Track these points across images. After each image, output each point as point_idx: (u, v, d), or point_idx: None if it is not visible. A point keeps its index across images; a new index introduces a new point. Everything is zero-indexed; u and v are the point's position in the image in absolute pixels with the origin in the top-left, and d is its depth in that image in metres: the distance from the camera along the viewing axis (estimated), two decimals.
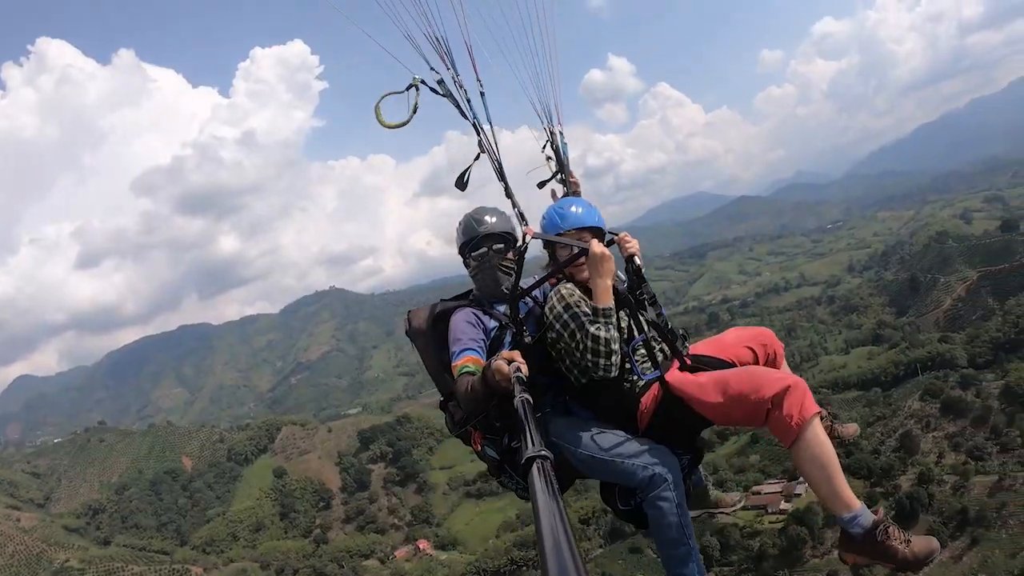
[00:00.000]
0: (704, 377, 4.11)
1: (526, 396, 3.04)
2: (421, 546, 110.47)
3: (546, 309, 4.36)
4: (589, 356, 4.01)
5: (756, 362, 4.42)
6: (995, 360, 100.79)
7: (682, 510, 4.00)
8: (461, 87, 4.88)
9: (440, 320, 4.62)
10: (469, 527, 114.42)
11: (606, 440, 4.15)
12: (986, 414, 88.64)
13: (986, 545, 71.78)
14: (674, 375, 4.21)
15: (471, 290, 4.87)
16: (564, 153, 5.67)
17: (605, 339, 3.97)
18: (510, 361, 3.47)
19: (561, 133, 5.68)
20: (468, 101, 4.88)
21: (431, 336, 4.65)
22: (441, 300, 4.85)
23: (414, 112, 4.78)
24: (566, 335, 4.20)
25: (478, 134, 4.85)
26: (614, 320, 4.06)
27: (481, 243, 4.58)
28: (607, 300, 4.07)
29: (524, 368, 3.43)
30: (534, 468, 2.14)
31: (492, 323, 4.48)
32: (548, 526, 1.68)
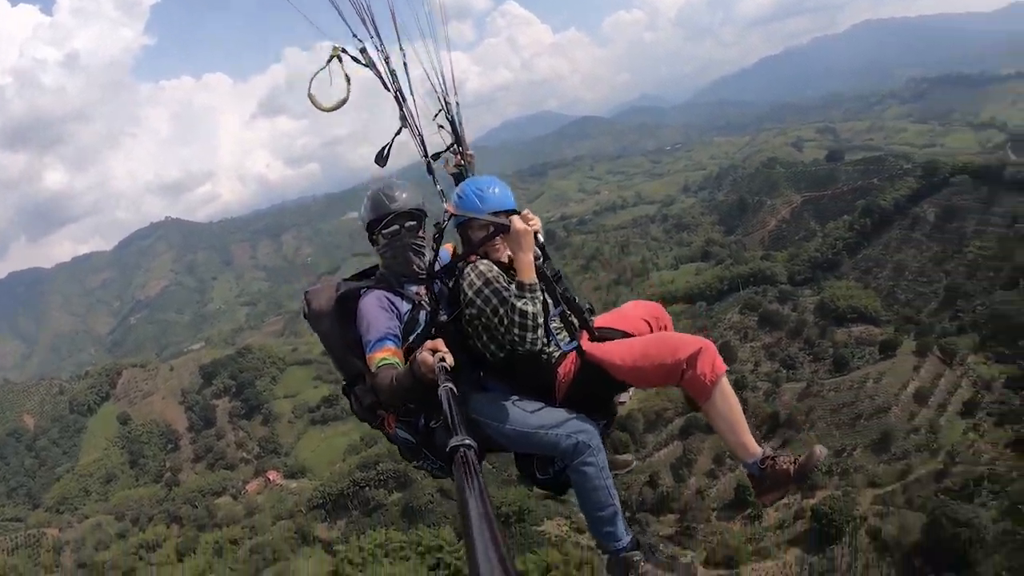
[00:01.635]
0: (618, 345, 4.31)
1: (450, 385, 3.19)
2: (271, 477, 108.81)
3: (464, 285, 4.25)
4: (516, 331, 4.03)
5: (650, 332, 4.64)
6: (813, 278, 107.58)
7: (606, 473, 4.20)
8: (385, 57, 4.73)
9: (344, 301, 4.43)
10: (316, 454, 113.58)
11: (528, 413, 4.19)
12: (801, 327, 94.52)
13: (795, 446, 75.74)
14: (589, 344, 4.36)
15: (375, 267, 4.73)
16: (459, 124, 5.26)
17: (532, 313, 4.00)
18: (434, 351, 3.55)
19: (457, 103, 5.25)
20: (392, 73, 4.75)
21: (335, 318, 4.45)
22: (343, 280, 4.67)
23: (348, 84, 4.64)
24: (488, 311, 4.19)
25: (400, 107, 4.73)
26: (539, 294, 4.08)
27: (393, 221, 4.43)
28: (532, 275, 4.06)
29: (449, 358, 3.52)
30: (458, 457, 2.26)
31: (405, 305, 4.36)
32: (475, 517, 1.77)
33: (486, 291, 4.16)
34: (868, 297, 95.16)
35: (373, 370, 3.99)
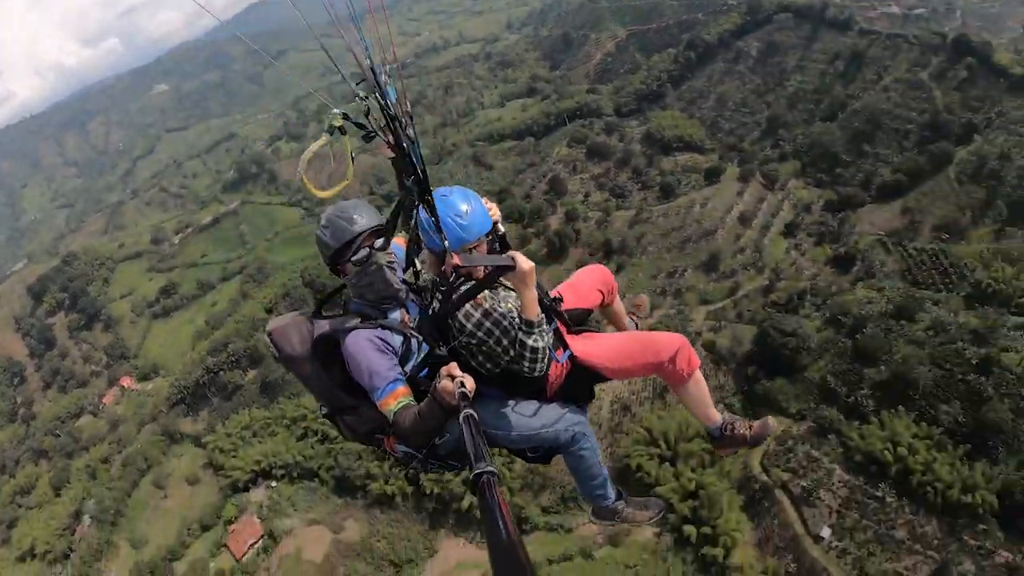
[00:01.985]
0: (603, 347, 4.65)
1: (470, 412, 3.17)
2: (125, 384, 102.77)
3: (460, 317, 4.14)
4: (526, 364, 4.14)
5: (603, 301, 5.30)
6: (638, 109, 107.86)
7: (597, 451, 4.75)
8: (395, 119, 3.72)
9: (325, 344, 4.21)
10: (164, 348, 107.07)
11: (528, 417, 4.41)
12: (628, 157, 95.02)
13: (630, 270, 79.51)
14: (577, 347, 4.63)
15: (342, 297, 4.54)
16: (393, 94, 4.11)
17: (543, 347, 4.12)
18: (452, 377, 3.60)
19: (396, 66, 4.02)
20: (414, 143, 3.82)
21: (318, 363, 4.25)
22: (313, 316, 4.38)
23: (352, 161, 3.83)
24: (491, 342, 4.17)
25: (423, 187, 3.83)
26: (546, 328, 4.19)
27: (361, 244, 4.15)
28: (537, 311, 4.10)
29: (469, 382, 3.55)
30: (482, 485, 2.32)
31: (397, 339, 4.21)
32: (504, 544, 1.85)
33: (487, 324, 4.13)
34: (693, 127, 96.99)
35: (391, 417, 3.95)
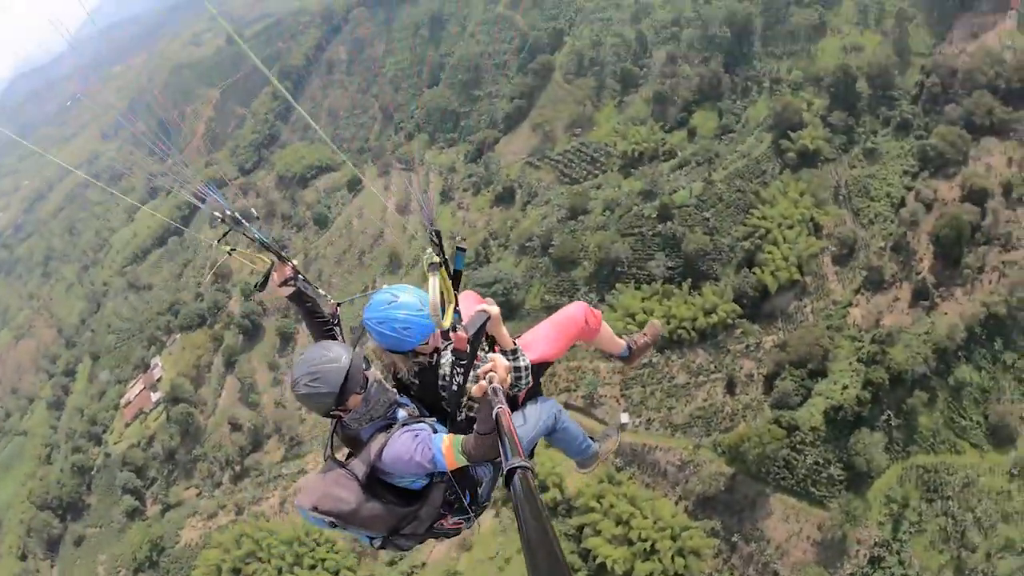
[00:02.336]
0: (542, 342, 5.31)
1: (503, 407, 3.33)
2: None
3: (447, 371, 4.58)
4: (522, 383, 4.72)
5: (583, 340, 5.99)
6: (260, 159, 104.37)
7: (571, 419, 5.66)
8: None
9: (374, 477, 4.31)
10: None
11: (523, 427, 4.92)
12: (271, 208, 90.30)
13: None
14: (530, 355, 4.99)
15: (336, 437, 4.53)
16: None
17: (526, 365, 4.71)
18: (485, 375, 3.85)
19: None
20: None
21: (371, 498, 4.28)
22: (345, 465, 4.35)
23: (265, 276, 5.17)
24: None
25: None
26: (521, 352, 4.77)
27: (355, 374, 4.26)
28: (511, 341, 4.71)
29: (499, 373, 3.83)
30: (516, 479, 2.35)
31: (422, 428, 4.35)
32: (538, 536, 1.85)
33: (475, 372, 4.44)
34: (317, 150, 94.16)
35: (458, 462, 4.13)
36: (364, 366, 4.28)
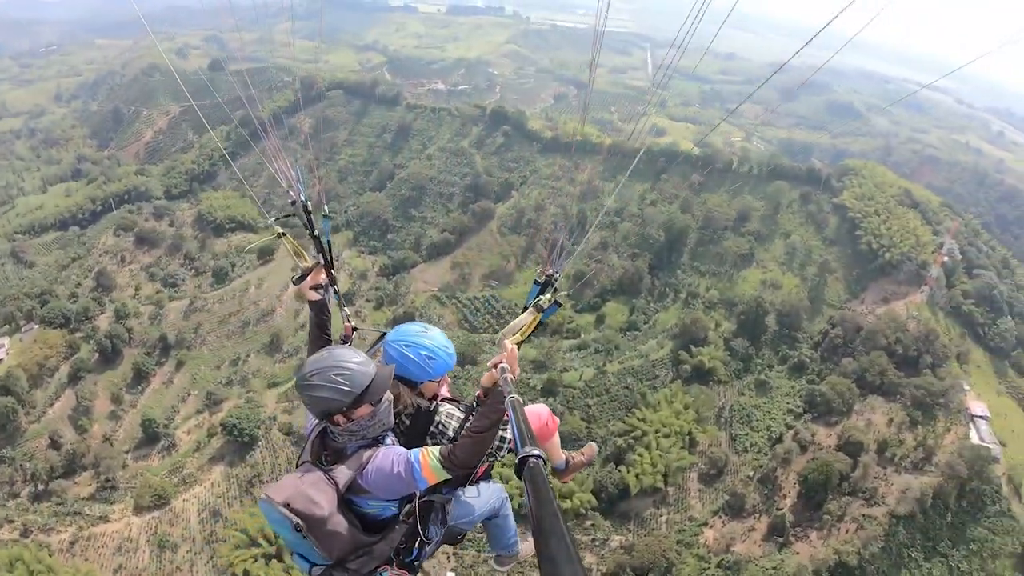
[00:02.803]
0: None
1: (516, 397, 3.45)
2: None
3: (451, 431, 4.75)
4: (503, 452, 4.82)
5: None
6: (190, 190, 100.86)
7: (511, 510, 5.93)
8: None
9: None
10: None
11: (478, 499, 5.22)
12: (179, 242, 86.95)
13: (191, 364, 73.12)
14: None
15: (322, 434, 4.30)
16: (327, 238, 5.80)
17: (510, 437, 4.73)
18: (495, 366, 4.07)
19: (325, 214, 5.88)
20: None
21: (345, 511, 4.18)
22: (322, 469, 4.20)
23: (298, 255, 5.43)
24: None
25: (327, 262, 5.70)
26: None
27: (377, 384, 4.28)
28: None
29: (511, 363, 4.05)
30: (527, 467, 2.46)
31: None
32: (549, 519, 1.97)
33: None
34: (245, 205, 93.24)
35: (435, 473, 4.06)
36: (387, 384, 4.29)
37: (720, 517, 58.42)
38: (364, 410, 4.24)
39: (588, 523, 57.53)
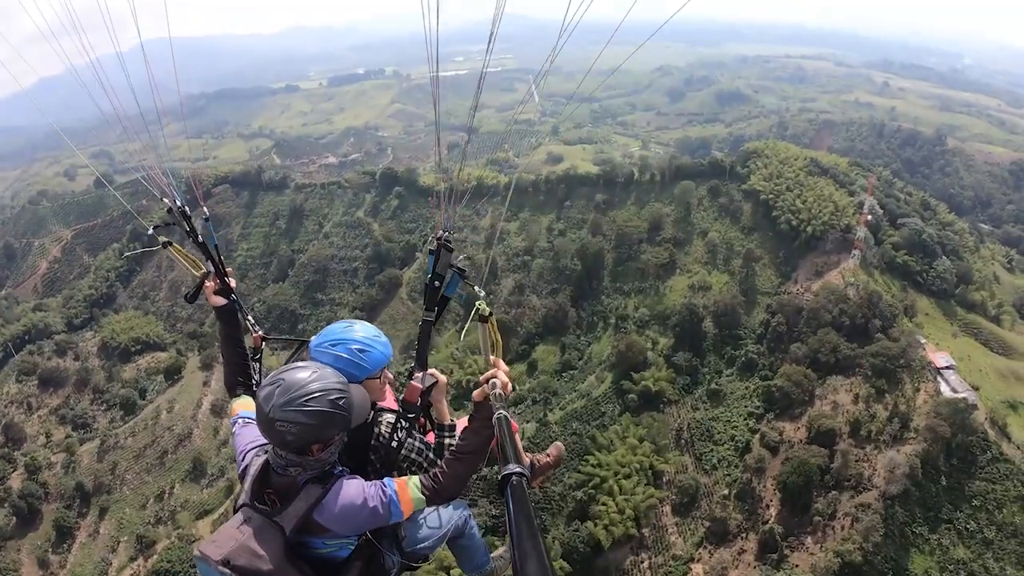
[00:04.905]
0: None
1: (505, 413, 3.29)
2: None
3: (405, 448, 4.36)
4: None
5: None
6: (91, 317, 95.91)
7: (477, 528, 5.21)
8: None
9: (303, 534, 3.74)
10: None
11: (438, 520, 4.62)
12: (86, 376, 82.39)
13: (116, 509, 68.14)
14: None
15: (268, 474, 3.83)
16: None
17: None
18: (487, 381, 3.73)
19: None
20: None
21: (297, 562, 3.66)
22: (270, 516, 3.66)
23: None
24: (429, 452, 4.44)
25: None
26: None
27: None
28: (449, 417, 4.60)
29: (500, 379, 3.72)
30: (510, 484, 2.44)
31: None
32: (527, 536, 2.01)
33: (420, 446, 4.42)
34: (149, 324, 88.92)
35: (414, 503, 3.76)
36: (366, 401, 3.98)
37: (705, 547, 55.00)
38: (338, 440, 3.78)
39: None
